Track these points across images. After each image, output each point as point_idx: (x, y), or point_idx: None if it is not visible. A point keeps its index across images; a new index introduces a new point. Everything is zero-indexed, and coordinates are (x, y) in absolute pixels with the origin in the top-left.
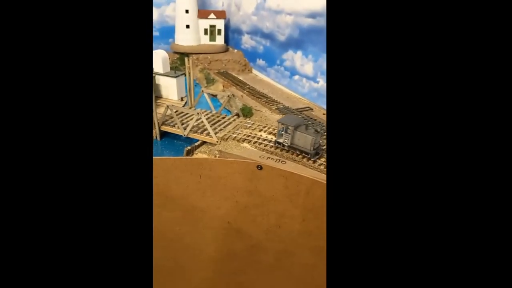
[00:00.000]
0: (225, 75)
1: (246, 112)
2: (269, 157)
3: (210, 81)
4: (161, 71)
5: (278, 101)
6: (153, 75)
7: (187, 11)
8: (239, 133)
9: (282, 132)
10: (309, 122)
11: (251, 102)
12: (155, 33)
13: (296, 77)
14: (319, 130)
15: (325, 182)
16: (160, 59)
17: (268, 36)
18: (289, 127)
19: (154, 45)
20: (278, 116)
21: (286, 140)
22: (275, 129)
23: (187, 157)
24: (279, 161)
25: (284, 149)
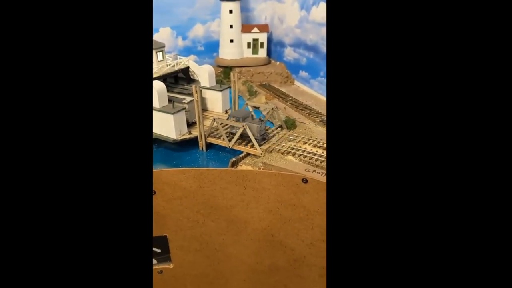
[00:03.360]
0: (267, 87)
1: (290, 124)
2: (314, 171)
3: (252, 94)
4: (207, 85)
5: (322, 113)
6: (200, 89)
7: (231, 26)
8: (283, 145)
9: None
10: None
11: (294, 114)
12: (201, 48)
13: None
14: (262, 119)
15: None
16: (207, 74)
17: (312, 48)
18: (239, 119)
19: (199, 60)
20: (322, 129)
21: (237, 131)
22: (320, 142)
23: (233, 168)
24: (325, 174)
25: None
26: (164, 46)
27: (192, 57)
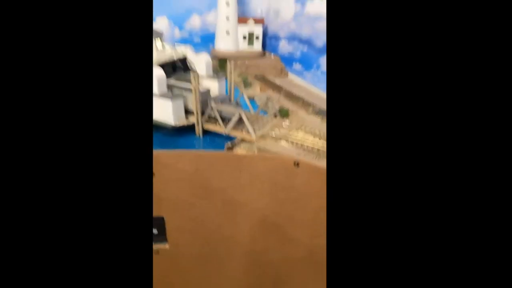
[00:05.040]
0: (262, 79)
1: (284, 113)
2: (306, 155)
3: (247, 85)
4: (204, 73)
5: (314, 103)
6: (198, 76)
7: (227, 18)
8: (277, 132)
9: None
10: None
11: (288, 105)
12: (197, 40)
13: None
14: (238, 102)
15: None
16: (204, 62)
17: (306, 41)
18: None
19: (195, 51)
20: (314, 117)
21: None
22: (311, 129)
23: (228, 152)
24: (316, 158)
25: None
26: (162, 34)
27: (189, 47)
